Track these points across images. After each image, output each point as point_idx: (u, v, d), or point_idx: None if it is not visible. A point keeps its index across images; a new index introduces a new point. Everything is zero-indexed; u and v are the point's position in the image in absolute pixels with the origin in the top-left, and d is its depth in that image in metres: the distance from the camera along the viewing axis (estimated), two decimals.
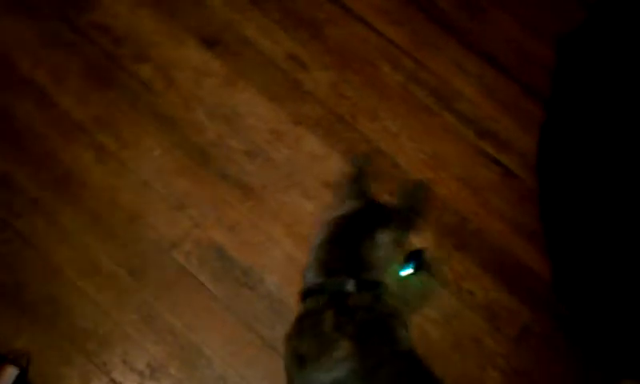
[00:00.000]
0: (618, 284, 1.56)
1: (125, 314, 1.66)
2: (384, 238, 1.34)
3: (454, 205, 1.85)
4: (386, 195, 1.72)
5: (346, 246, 1.34)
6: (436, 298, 1.74)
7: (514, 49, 2.03)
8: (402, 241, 1.40)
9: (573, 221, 1.69)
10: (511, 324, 1.74)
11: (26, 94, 1.85)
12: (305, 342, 1.30)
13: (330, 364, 1.24)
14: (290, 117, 1.89)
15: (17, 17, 1.94)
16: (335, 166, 1.84)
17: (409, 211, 1.40)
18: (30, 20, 1.93)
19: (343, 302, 1.28)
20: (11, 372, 0.74)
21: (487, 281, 1.77)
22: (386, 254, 1.35)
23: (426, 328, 1.70)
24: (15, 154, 1.79)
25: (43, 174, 1.77)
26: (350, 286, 1.29)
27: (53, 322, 1.64)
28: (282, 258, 1.74)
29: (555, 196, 1.76)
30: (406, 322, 1.37)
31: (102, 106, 1.85)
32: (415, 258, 1.67)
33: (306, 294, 1.36)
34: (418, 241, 1.75)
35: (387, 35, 2.01)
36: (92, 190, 1.76)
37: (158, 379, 1.60)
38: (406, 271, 1.66)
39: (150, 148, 1.82)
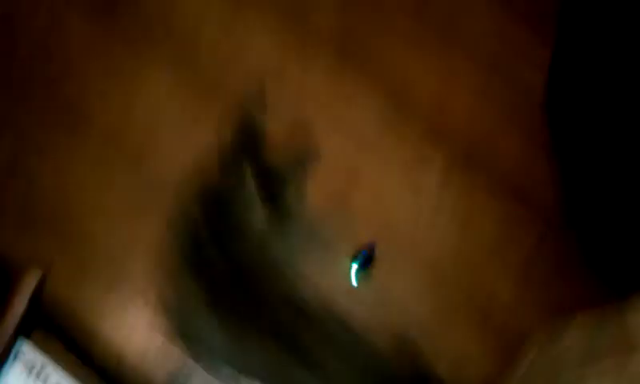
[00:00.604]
0: (627, 207, 1.58)
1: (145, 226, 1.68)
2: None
3: (468, 124, 1.84)
4: None
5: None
6: (448, 212, 1.75)
7: None
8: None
9: (585, 149, 1.69)
10: (524, 241, 1.75)
11: None
12: None
13: None
14: (297, 41, 1.87)
15: None
16: (345, 87, 1.84)
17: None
18: None
19: None
20: (35, 274, 0.78)
21: (501, 196, 1.79)
22: None
23: (437, 251, 1.73)
24: None
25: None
26: None
27: (72, 236, 1.66)
28: None
29: (567, 126, 1.76)
30: None
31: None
32: (363, 255, 1.66)
33: None
34: (428, 171, 1.77)
35: None
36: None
37: None
38: (354, 269, 1.66)
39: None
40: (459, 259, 1.76)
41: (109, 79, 1.63)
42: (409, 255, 1.74)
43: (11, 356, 0.87)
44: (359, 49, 1.83)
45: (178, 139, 1.58)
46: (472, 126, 1.88)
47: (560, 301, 1.72)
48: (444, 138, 1.85)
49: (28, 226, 1.60)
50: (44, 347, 0.89)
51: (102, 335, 1.54)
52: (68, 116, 1.61)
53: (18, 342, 0.87)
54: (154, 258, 1.53)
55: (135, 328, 1.55)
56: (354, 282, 1.62)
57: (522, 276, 1.75)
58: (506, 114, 1.89)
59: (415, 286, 1.71)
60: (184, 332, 1.32)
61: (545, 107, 1.84)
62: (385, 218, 1.77)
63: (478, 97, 1.91)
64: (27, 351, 0.89)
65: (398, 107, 1.85)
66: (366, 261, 1.64)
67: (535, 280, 1.75)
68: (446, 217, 1.79)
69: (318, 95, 1.86)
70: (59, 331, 0.97)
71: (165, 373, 1.54)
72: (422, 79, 1.90)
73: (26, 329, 0.86)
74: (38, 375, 0.88)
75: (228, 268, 1.32)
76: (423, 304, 1.70)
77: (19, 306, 0.78)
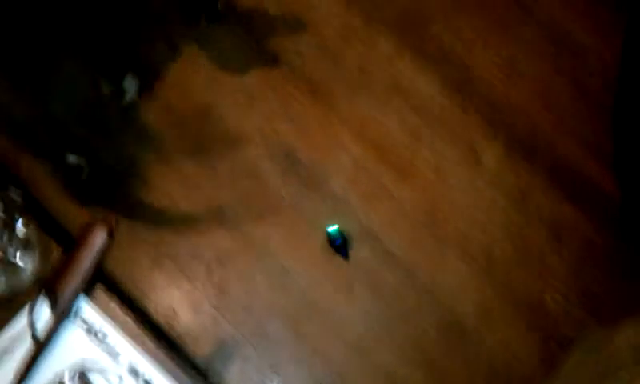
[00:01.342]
0: None
1: (194, 206, 1.70)
2: None
3: (527, 115, 1.81)
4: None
5: None
6: (501, 210, 1.73)
7: None
8: None
9: None
10: (576, 243, 1.72)
11: None
12: None
13: None
14: (361, 15, 1.84)
15: None
16: (406, 69, 1.81)
17: None
18: None
19: None
20: (102, 231, 0.77)
21: (555, 196, 1.75)
22: None
23: (488, 240, 1.70)
24: None
25: None
26: None
27: (126, 208, 1.69)
28: (348, 163, 1.74)
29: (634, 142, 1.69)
30: None
31: None
32: (337, 237, 1.66)
33: None
34: (487, 151, 1.73)
35: None
36: (167, 84, 1.77)
37: (225, 270, 1.65)
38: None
39: (222, 39, 1.81)
40: (511, 246, 1.72)
41: None
42: (461, 238, 1.71)
43: (72, 313, 0.87)
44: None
45: None
46: (534, 115, 1.83)
47: (607, 305, 1.67)
48: (506, 121, 1.81)
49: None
50: (103, 306, 0.88)
51: (153, 300, 1.56)
52: None
53: (79, 299, 0.86)
54: None
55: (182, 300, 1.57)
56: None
57: (571, 278, 1.70)
58: (569, 112, 1.83)
59: (466, 275, 1.68)
60: None
61: (612, 123, 1.77)
62: (442, 190, 1.74)
63: (542, 87, 1.86)
64: (87, 309, 0.88)
65: (461, 86, 1.81)
66: (342, 244, 1.66)
67: (584, 284, 1.70)
68: (502, 195, 1.75)
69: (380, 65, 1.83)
70: (117, 292, 0.96)
71: (213, 341, 1.54)
72: (486, 62, 1.85)
73: (88, 287, 0.85)
74: (96, 334, 0.87)
75: None
76: (473, 293, 1.67)
77: (85, 261, 0.77)
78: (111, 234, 0.81)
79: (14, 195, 0.94)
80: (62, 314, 0.83)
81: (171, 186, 1.69)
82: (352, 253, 1.66)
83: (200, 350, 1.55)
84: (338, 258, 1.65)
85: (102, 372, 0.85)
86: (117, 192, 1.68)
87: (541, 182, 1.74)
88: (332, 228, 1.63)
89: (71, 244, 0.84)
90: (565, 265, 1.70)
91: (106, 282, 0.90)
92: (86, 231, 0.78)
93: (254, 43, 1.81)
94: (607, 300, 1.69)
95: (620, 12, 1.79)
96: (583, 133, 1.78)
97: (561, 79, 1.83)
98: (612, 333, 1.43)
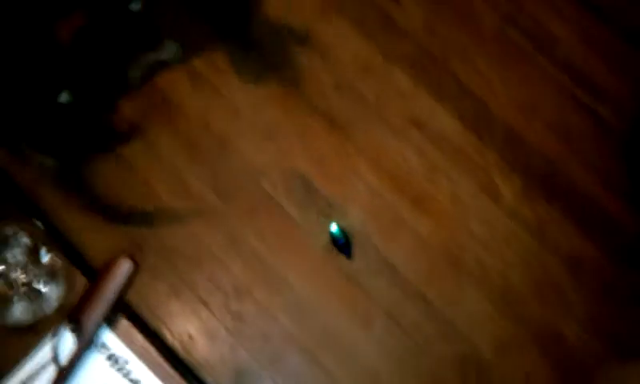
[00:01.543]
0: None
1: (212, 236, 1.72)
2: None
3: (544, 151, 1.81)
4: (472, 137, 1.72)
5: None
6: (518, 242, 1.73)
7: None
8: None
9: None
10: (594, 277, 1.71)
11: None
12: None
13: None
14: (380, 52, 1.87)
15: None
16: (424, 104, 1.83)
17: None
18: None
19: None
20: (127, 263, 0.79)
21: (573, 231, 1.74)
22: None
23: (506, 273, 1.70)
24: None
25: (142, 99, 1.83)
26: None
27: (145, 238, 1.72)
28: (366, 193, 1.76)
29: None
30: None
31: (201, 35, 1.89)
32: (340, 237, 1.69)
33: None
34: (505, 184, 1.74)
35: None
36: (187, 116, 1.81)
37: (242, 300, 1.66)
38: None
39: (244, 76, 1.85)
40: (529, 279, 1.71)
41: None
42: (479, 270, 1.71)
43: (95, 341, 0.88)
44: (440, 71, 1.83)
45: None
46: (552, 151, 1.83)
47: (625, 336, 1.66)
48: (523, 156, 1.82)
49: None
50: (125, 335, 0.90)
51: (170, 328, 1.57)
52: None
53: (103, 330, 0.88)
54: None
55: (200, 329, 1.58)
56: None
57: (588, 312, 1.69)
58: (587, 149, 1.84)
59: (483, 307, 1.68)
60: None
61: (631, 159, 1.77)
62: (460, 221, 1.75)
63: (561, 124, 1.87)
64: (109, 337, 0.90)
65: (478, 121, 1.82)
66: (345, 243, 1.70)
67: (601, 318, 1.69)
68: (520, 227, 1.75)
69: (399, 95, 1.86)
70: (135, 319, 0.98)
71: (230, 370, 1.55)
72: (504, 99, 1.87)
73: (111, 316, 0.87)
74: (117, 361, 0.89)
75: None
76: (490, 324, 1.67)
77: (109, 291, 0.79)
78: (135, 266, 0.83)
79: (39, 225, 0.97)
80: (85, 342, 0.85)
81: (190, 218, 1.71)
82: (370, 283, 1.67)
83: (217, 378, 1.56)
84: (358, 289, 1.66)
85: None
86: (134, 221, 1.70)
87: (559, 217, 1.74)
88: (334, 228, 1.68)
89: (95, 274, 0.86)
90: (583, 297, 1.70)
91: (125, 309, 0.92)
92: (110, 262, 0.80)
93: (273, 76, 1.84)
94: (625, 332, 1.67)
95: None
96: (602, 169, 1.79)
97: (579, 116, 1.84)
98: (632, 370, 1.42)
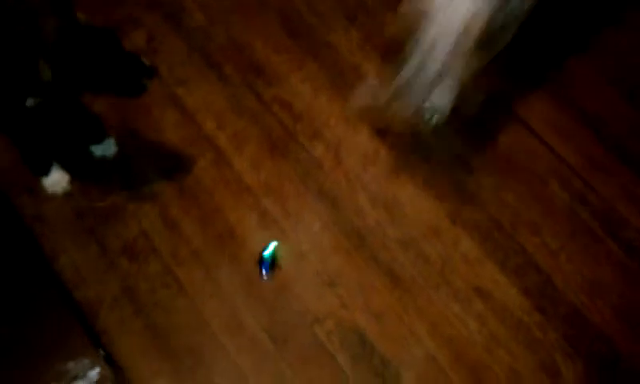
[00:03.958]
0: None
1: (261, 379, 1.69)
2: None
3: (608, 335, 1.75)
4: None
5: None
6: None
7: None
8: None
9: None
10: None
11: (205, 151, 1.99)
12: None
13: None
14: (449, 215, 1.89)
15: (209, 81, 2.11)
16: (489, 273, 1.81)
17: None
18: (220, 85, 2.10)
19: None
20: None
21: None
22: None
23: None
24: (186, 204, 1.91)
25: (208, 228, 1.87)
26: None
27: (192, 372, 1.69)
28: (422, 357, 1.71)
29: None
30: None
31: (273, 174, 1.95)
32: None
33: None
34: (566, 365, 1.67)
35: (558, 151, 1.98)
36: (251, 252, 1.83)
37: None
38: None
39: (311, 222, 1.88)
40: None
41: None
42: None
43: None
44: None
45: None
46: (616, 337, 1.76)
47: None
48: (587, 339, 1.75)
49: None
50: None
51: None
52: None
53: None
54: None
55: None
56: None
57: None
58: None
59: None
60: None
61: None
62: None
63: (626, 308, 1.81)
64: None
65: (542, 298, 1.78)
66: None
67: None
68: None
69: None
70: None
71: None
72: (569, 277, 1.84)
73: None
74: None
75: None
76: None
77: None
78: None
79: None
80: None
81: (239, 354, 1.69)
82: None
83: None
84: None
85: None
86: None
87: None
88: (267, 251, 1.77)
89: None
90: None
91: None
92: None
93: (339, 226, 1.88)
94: None
95: None
96: None
97: None
98: None
